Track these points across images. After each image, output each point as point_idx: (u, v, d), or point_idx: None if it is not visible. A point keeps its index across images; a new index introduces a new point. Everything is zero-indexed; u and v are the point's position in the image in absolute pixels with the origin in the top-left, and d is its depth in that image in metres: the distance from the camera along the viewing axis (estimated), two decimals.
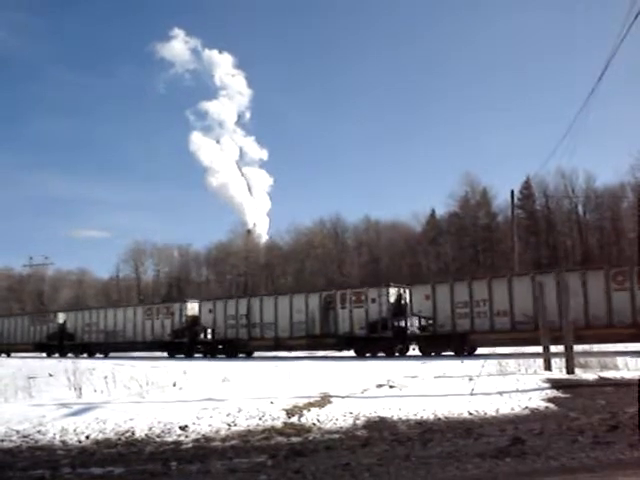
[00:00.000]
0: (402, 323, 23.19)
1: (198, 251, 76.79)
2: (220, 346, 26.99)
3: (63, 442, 5.35)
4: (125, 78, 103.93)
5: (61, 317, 34.84)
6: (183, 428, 5.77)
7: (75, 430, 5.70)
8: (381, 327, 22.66)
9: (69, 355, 31.37)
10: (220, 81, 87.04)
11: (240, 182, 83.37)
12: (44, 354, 32.90)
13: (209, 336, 27.69)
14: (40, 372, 14.30)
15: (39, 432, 5.64)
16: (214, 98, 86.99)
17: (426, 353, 21.27)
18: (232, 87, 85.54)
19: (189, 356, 27.45)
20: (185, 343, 28.10)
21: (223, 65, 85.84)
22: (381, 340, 22.61)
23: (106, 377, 9.43)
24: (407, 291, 23.67)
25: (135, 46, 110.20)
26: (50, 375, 12.89)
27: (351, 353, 23.54)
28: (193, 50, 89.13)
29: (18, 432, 5.64)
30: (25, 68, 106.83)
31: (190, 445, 5.21)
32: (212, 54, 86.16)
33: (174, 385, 9.74)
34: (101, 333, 31.65)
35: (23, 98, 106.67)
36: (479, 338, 20.83)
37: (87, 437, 5.51)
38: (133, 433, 5.62)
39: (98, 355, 31.26)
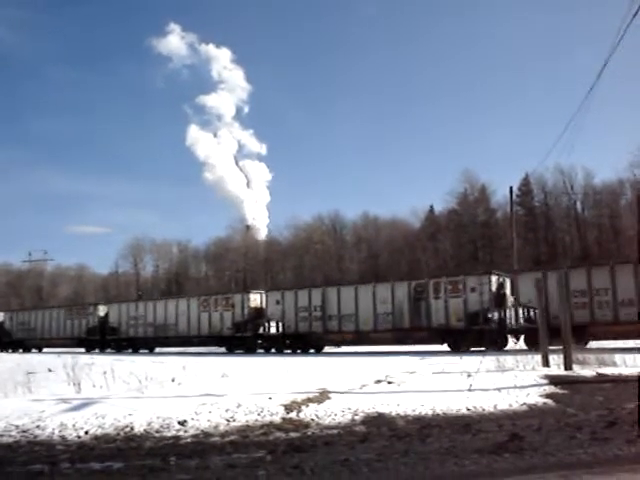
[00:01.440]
0: (502, 315, 21.47)
1: (197, 247, 76.90)
2: (287, 341, 25.12)
3: (62, 437, 5.35)
4: (124, 74, 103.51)
5: (102, 310, 32.91)
6: (182, 423, 5.77)
7: (74, 425, 5.70)
8: (483, 319, 20.88)
9: (108, 351, 29.97)
10: (218, 75, 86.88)
11: (238, 176, 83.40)
12: (82, 349, 30.89)
13: (272, 329, 25.93)
14: (39, 367, 14.31)
15: (38, 427, 5.64)
16: (212, 92, 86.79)
17: (534, 347, 19.93)
18: (230, 81, 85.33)
19: (252, 351, 25.51)
20: (248, 337, 26.07)
21: (221, 60, 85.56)
22: (482, 332, 20.68)
23: (105, 372, 9.43)
24: (507, 280, 21.94)
25: (133, 42, 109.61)
26: (49, 370, 12.90)
27: (441, 347, 21.69)
28: (190, 45, 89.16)
29: (17, 427, 5.64)
30: (24, 65, 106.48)
31: (189, 440, 5.22)
32: (210, 49, 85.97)
33: (173, 380, 9.75)
34: (149, 327, 29.59)
35: (22, 95, 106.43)
36: (601, 330, 18.86)
37: (86, 432, 5.51)
38: (132, 428, 5.62)
39: (142, 351, 29.49)
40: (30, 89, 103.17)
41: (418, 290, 22.32)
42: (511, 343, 21.10)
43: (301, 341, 24.61)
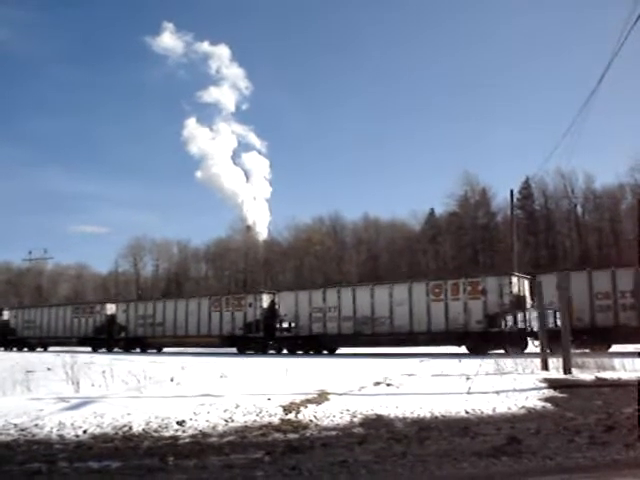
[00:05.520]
0: (523, 317, 20.93)
1: (197, 247, 76.95)
2: (300, 342, 24.49)
3: (60, 436, 5.35)
4: (124, 74, 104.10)
5: (110, 308, 32.35)
6: (180, 423, 5.77)
7: (72, 424, 5.70)
8: (503, 321, 20.32)
9: (116, 350, 29.52)
10: (217, 72, 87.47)
11: (236, 173, 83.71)
12: (89, 348, 30.36)
13: (285, 330, 25.34)
14: (38, 366, 14.31)
15: (36, 426, 5.63)
16: (211, 86, 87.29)
17: (556, 350, 18.92)
18: (229, 78, 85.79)
19: (263, 352, 24.94)
20: (260, 338, 25.49)
21: (219, 57, 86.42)
22: (501, 335, 20.14)
23: (104, 371, 9.42)
24: (526, 281, 21.34)
25: (132, 42, 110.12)
26: (48, 369, 12.90)
27: (459, 350, 20.82)
28: (188, 43, 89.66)
29: (15, 426, 5.64)
30: (23, 65, 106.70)
31: (187, 440, 5.21)
32: (209, 47, 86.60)
33: (172, 380, 9.75)
34: (159, 326, 29.13)
35: (22, 95, 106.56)
36: (625, 334, 17.73)
37: (84, 431, 5.51)
38: (130, 428, 5.62)
39: (150, 350, 29.04)
40: (30, 89, 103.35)
41: (436, 291, 21.86)
42: (531, 346, 20.34)
43: (315, 342, 24.08)
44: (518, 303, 20.83)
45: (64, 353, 18.52)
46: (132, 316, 30.33)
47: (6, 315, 37.96)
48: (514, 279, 20.88)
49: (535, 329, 20.14)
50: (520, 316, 21.24)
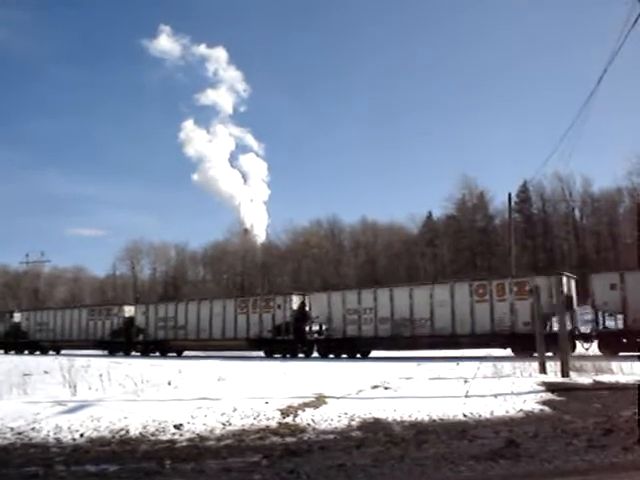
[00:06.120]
0: (571, 318, 19.57)
1: (195, 250, 76.86)
2: (333, 345, 23.39)
3: (57, 440, 5.33)
4: (122, 76, 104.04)
5: (128, 310, 31.00)
6: (178, 427, 5.76)
7: (69, 428, 5.68)
8: (551, 323, 18.93)
9: (133, 354, 28.54)
10: (214, 75, 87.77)
11: (233, 176, 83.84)
12: (105, 352, 29.45)
13: (315, 333, 24.26)
14: (35, 369, 14.26)
15: (33, 429, 5.62)
16: (209, 88, 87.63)
17: (610, 354, 17.09)
18: (227, 80, 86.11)
19: (293, 356, 23.87)
20: (289, 341, 24.41)
21: (217, 59, 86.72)
22: (550, 338, 18.91)
23: (101, 375, 9.40)
24: (573, 281, 20.42)
25: (131, 44, 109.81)
26: (45, 372, 12.86)
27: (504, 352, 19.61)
28: (185, 46, 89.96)
29: (12, 429, 5.62)
30: (23, 66, 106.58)
31: (184, 444, 5.20)
32: (206, 50, 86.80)
33: (169, 384, 9.73)
34: (180, 329, 27.93)
35: (21, 96, 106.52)
36: None
37: (81, 435, 5.49)
38: (127, 431, 5.60)
39: (170, 354, 27.84)
40: (29, 90, 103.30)
41: (480, 292, 21.03)
42: (580, 349, 19.41)
43: (349, 345, 23.09)
44: (567, 304, 19.44)
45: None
46: (152, 318, 29.17)
47: (17, 317, 36.74)
48: (564, 279, 19.79)
49: (583, 330, 20.01)
50: (567, 317, 19.68)
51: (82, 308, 34.41)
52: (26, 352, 33.36)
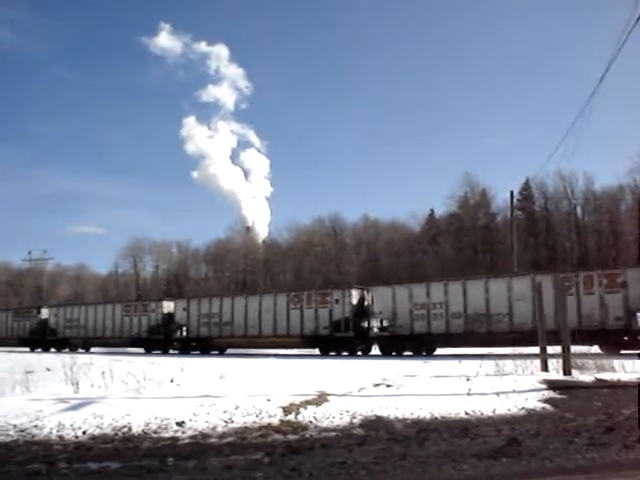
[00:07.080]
0: None
1: (197, 248, 76.84)
2: (398, 342, 21.99)
3: (60, 437, 5.35)
4: (123, 75, 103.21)
5: (167, 306, 29.62)
6: (180, 424, 5.77)
7: (72, 425, 5.70)
8: None
9: (172, 352, 27.59)
10: (215, 72, 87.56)
11: (236, 172, 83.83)
12: (140, 349, 28.45)
13: (375, 329, 22.93)
14: (38, 366, 14.29)
15: (36, 427, 5.63)
16: (210, 84, 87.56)
17: None
18: (229, 77, 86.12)
19: (351, 354, 22.76)
20: (349, 338, 23.03)
21: (218, 56, 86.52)
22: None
23: (103, 372, 9.41)
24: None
25: (131, 43, 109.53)
26: (48, 370, 12.89)
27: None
28: (186, 44, 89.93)
29: (15, 426, 5.64)
30: (23, 64, 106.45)
31: (187, 441, 5.22)
32: (208, 47, 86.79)
33: (171, 381, 9.73)
34: (226, 325, 26.55)
35: (21, 94, 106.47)
36: None
37: (84, 432, 5.51)
38: (130, 429, 5.62)
39: (213, 352, 26.88)
40: (30, 89, 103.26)
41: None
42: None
43: (416, 342, 21.72)
44: None
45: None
46: (194, 314, 27.84)
47: (45, 314, 35.32)
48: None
49: None
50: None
51: (116, 304, 32.97)
52: (54, 350, 32.02)
